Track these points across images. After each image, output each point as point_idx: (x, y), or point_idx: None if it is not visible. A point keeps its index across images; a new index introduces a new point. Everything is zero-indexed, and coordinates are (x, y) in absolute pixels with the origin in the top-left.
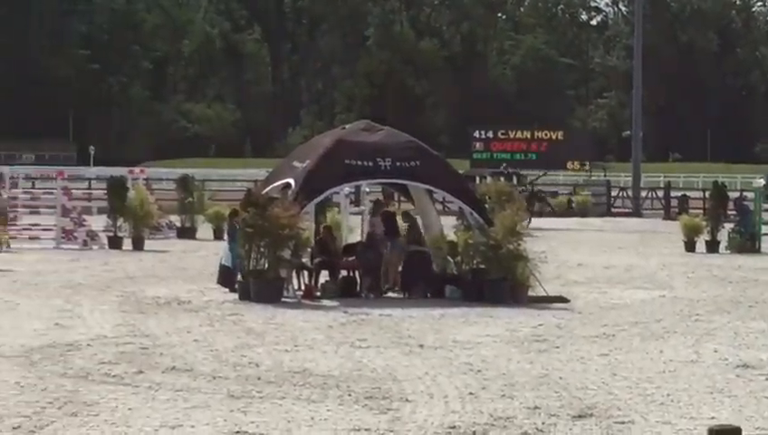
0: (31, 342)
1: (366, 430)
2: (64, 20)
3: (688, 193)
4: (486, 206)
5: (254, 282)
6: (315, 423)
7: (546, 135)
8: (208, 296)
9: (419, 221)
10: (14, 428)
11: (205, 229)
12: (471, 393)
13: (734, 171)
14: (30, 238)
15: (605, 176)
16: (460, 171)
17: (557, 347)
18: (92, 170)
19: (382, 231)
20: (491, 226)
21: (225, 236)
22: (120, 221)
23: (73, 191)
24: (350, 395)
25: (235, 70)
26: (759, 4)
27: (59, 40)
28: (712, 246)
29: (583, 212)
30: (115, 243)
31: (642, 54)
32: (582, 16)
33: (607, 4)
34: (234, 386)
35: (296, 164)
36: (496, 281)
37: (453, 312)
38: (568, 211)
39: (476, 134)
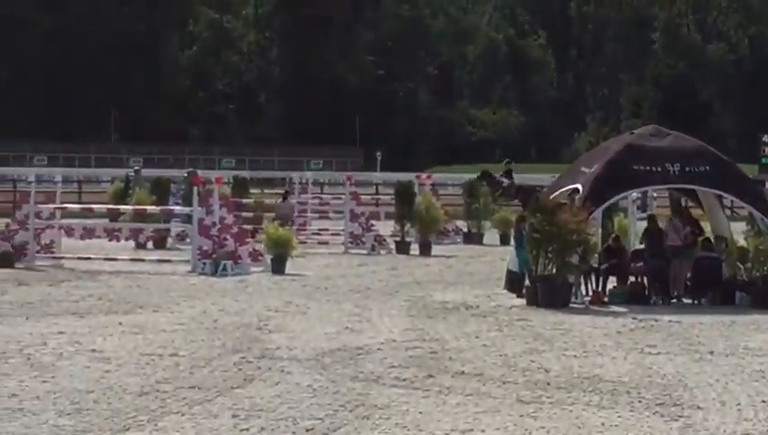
0: (322, 345)
1: None
2: (352, 27)
3: None
4: None
5: (541, 287)
6: (606, 429)
7: None
8: (496, 301)
9: (707, 227)
10: (307, 430)
11: (491, 234)
12: (764, 401)
13: None
14: (319, 243)
15: None
16: (750, 176)
17: None
18: (379, 176)
19: (676, 236)
20: None
21: (512, 242)
22: (407, 226)
23: (361, 196)
24: (640, 401)
25: (520, 75)
26: None
27: (347, 47)
28: None
29: None
30: (402, 248)
31: None
32: None
33: None
34: (523, 391)
35: (584, 169)
36: None
37: (743, 319)
38: None
39: (766, 138)
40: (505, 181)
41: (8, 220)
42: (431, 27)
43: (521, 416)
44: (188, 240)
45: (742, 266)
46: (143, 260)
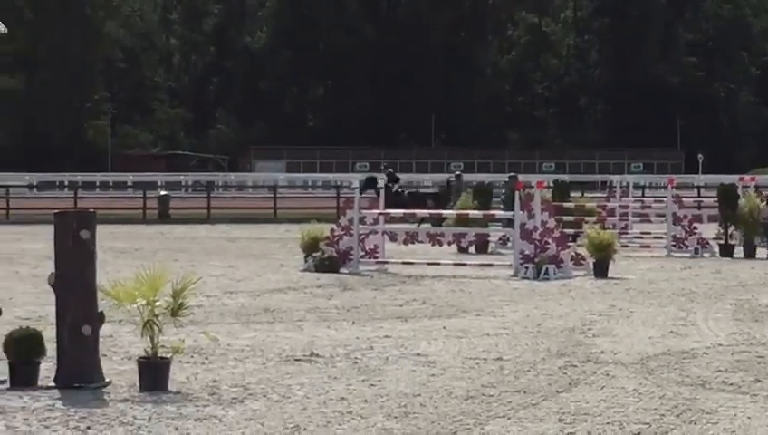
0: (646, 349)
1: None
2: (672, 28)
3: None
4: None
5: None
6: None
7: None
8: None
9: None
10: (634, 434)
11: None
12: None
13: None
14: (641, 247)
15: None
16: None
17: None
18: (701, 178)
19: None
20: None
21: None
22: (730, 229)
23: (683, 199)
24: None
25: None
26: None
27: (666, 48)
28: None
29: None
30: (726, 251)
31: None
32: None
33: None
34: None
35: None
36: None
37: None
38: None
39: None
40: (394, 187)
41: (333, 226)
42: (753, 26)
43: None
44: (510, 244)
45: None
46: (465, 264)
